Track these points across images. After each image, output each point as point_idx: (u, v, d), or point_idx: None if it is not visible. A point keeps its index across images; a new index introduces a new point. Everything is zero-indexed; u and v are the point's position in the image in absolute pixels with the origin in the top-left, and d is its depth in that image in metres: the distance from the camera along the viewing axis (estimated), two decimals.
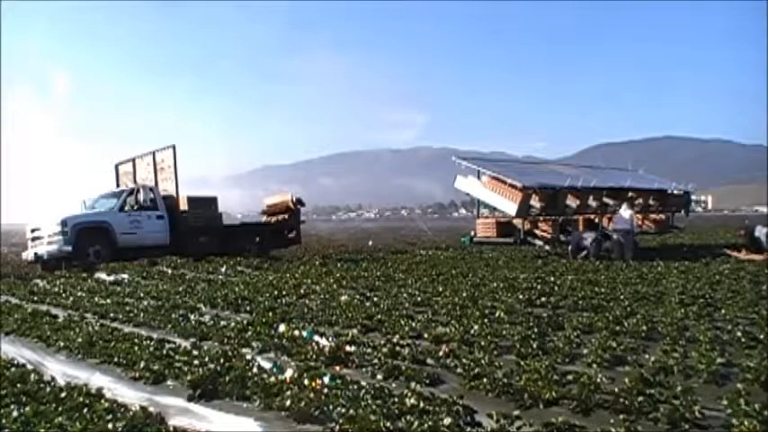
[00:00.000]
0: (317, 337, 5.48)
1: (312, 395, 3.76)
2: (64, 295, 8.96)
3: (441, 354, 4.78)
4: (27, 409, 3.66)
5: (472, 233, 17.22)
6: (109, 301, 8.27)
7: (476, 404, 3.60)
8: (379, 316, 6.51)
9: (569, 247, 13.86)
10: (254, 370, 4.48)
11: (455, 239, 22.12)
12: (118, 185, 16.66)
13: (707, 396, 3.63)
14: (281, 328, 6.00)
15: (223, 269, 11.72)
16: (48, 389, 4.20)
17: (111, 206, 14.23)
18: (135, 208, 14.11)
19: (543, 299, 7.40)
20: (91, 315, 7.31)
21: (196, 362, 4.72)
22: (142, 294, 8.74)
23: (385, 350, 4.95)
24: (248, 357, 4.90)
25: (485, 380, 4.02)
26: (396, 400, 3.67)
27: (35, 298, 8.86)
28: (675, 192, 20.19)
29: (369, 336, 5.76)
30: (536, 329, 5.63)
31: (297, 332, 5.77)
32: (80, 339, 5.69)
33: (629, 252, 13.01)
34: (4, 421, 3.52)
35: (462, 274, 10.46)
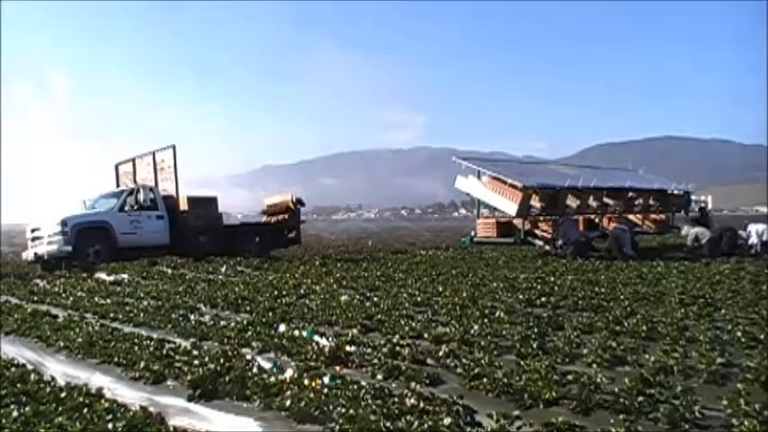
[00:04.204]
0: (317, 337, 5.48)
1: (312, 395, 3.76)
2: (64, 295, 8.96)
3: (441, 354, 4.78)
4: (27, 409, 3.66)
5: (472, 233, 17.23)
6: (109, 301, 8.27)
7: (476, 404, 3.60)
8: (379, 316, 6.50)
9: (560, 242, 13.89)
10: (254, 370, 4.48)
11: (455, 239, 22.12)
12: (118, 185, 16.66)
13: (707, 396, 3.63)
14: (281, 328, 6.00)
15: (223, 269, 11.72)
16: (48, 389, 4.20)
17: (111, 206, 14.23)
18: (135, 208, 14.12)
19: (543, 299, 7.39)
20: (91, 315, 7.30)
21: (196, 362, 4.72)
22: (142, 294, 8.73)
23: (385, 350, 4.95)
24: (248, 357, 4.90)
25: (485, 380, 4.02)
26: (396, 400, 3.67)
27: (35, 298, 8.85)
28: (675, 192, 20.21)
29: (369, 336, 5.76)
30: (536, 329, 5.62)
31: (297, 332, 5.77)
32: (80, 339, 5.69)
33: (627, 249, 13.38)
34: (4, 421, 3.52)
35: (462, 274, 10.46)
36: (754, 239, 13.56)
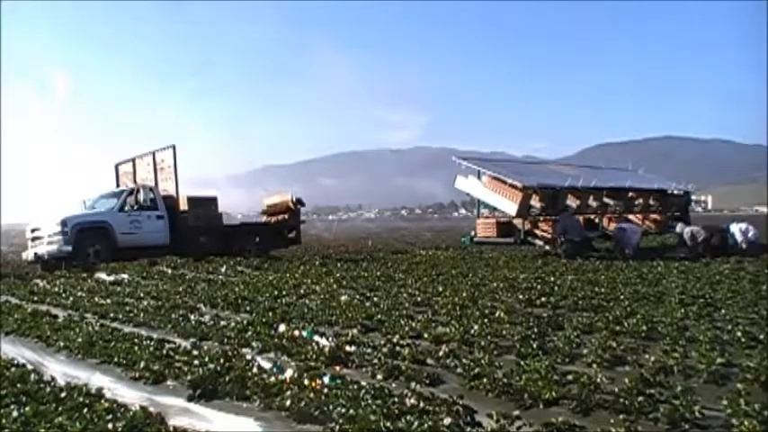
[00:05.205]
0: (317, 337, 5.49)
1: (312, 395, 3.77)
2: (64, 295, 8.96)
3: (441, 354, 4.78)
4: (27, 409, 3.66)
5: (472, 233, 17.22)
6: (109, 301, 8.27)
7: (476, 404, 3.60)
8: (379, 316, 6.51)
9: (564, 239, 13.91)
10: (254, 370, 4.48)
11: (455, 239, 22.11)
12: (118, 185, 16.66)
13: (707, 396, 3.63)
14: (281, 328, 6.00)
15: (223, 269, 11.72)
16: (48, 389, 4.20)
17: (111, 206, 14.23)
18: (135, 208, 14.11)
19: (543, 299, 7.39)
20: (91, 315, 7.30)
21: (196, 362, 4.72)
22: (142, 294, 8.73)
23: (385, 350, 4.95)
24: (248, 357, 4.90)
25: (485, 380, 4.02)
26: (396, 400, 3.67)
27: (35, 298, 8.85)
28: (675, 192, 20.19)
29: (369, 336, 5.76)
30: (536, 329, 5.62)
31: (297, 332, 5.77)
32: (80, 339, 5.69)
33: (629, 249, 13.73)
34: (4, 421, 3.52)
35: (462, 274, 10.46)
36: (739, 237, 13.82)
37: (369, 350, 5.00)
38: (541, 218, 15.78)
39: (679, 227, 14.75)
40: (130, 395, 4.16)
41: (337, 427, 3.32)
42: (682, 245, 14.19)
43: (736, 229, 14.04)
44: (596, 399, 3.61)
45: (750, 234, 13.81)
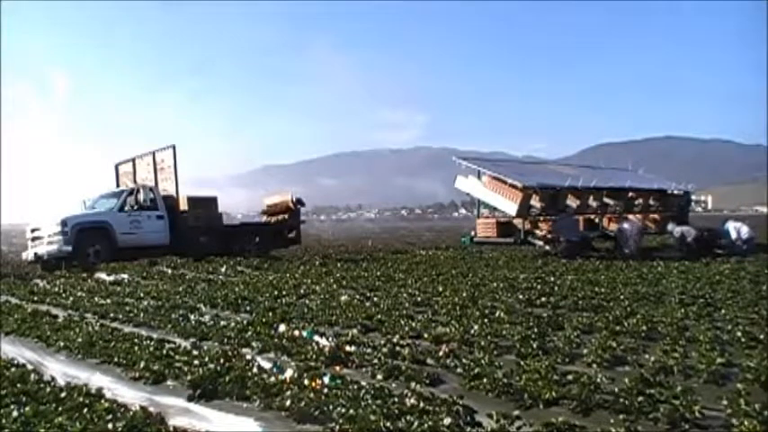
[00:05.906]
0: (317, 337, 5.49)
1: (312, 395, 3.77)
2: (64, 295, 8.96)
3: (441, 354, 4.78)
4: (27, 409, 3.66)
5: (472, 233, 17.22)
6: (109, 301, 8.27)
7: (476, 404, 3.60)
8: (379, 316, 6.51)
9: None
10: (254, 370, 4.48)
11: (455, 239, 22.11)
12: (118, 185, 16.66)
13: (707, 396, 3.63)
14: (281, 328, 6.00)
15: (223, 269, 11.72)
16: (48, 389, 4.20)
17: (111, 206, 14.24)
18: (135, 208, 14.12)
19: (543, 299, 7.39)
20: (91, 315, 7.30)
21: (196, 362, 4.72)
22: (142, 294, 8.73)
23: (385, 350, 4.95)
24: (248, 357, 4.90)
25: (485, 380, 4.02)
26: (396, 400, 3.67)
27: (35, 298, 8.85)
28: (675, 192, 20.19)
29: (369, 336, 5.76)
30: (536, 329, 5.62)
31: (297, 332, 5.77)
32: (80, 339, 5.69)
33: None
34: (4, 421, 3.52)
35: (462, 274, 10.46)
36: (733, 235, 14.06)
37: (369, 350, 5.00)
38: (541, 218, 15.78)
39: (670, 226, 14.93)
40: (130, 395, 4.16)
41: (337, 427, 3.32)
42: (674, 244, 14.34)
43: (731, 226, 14.24)
44: (596, 399, 3.61)
45: (743, 232, 14.04)
